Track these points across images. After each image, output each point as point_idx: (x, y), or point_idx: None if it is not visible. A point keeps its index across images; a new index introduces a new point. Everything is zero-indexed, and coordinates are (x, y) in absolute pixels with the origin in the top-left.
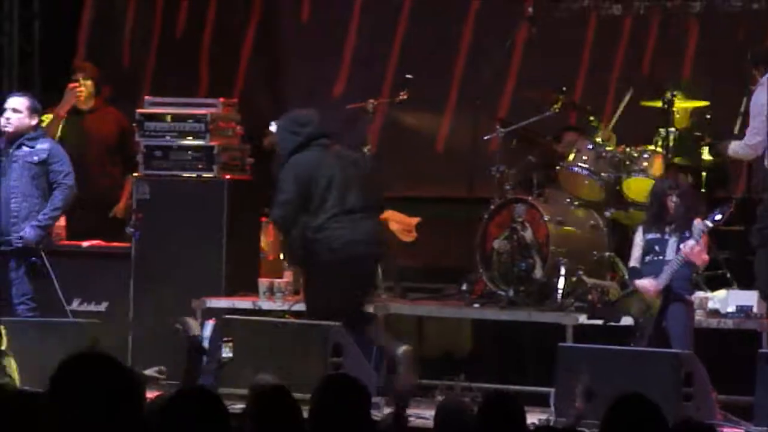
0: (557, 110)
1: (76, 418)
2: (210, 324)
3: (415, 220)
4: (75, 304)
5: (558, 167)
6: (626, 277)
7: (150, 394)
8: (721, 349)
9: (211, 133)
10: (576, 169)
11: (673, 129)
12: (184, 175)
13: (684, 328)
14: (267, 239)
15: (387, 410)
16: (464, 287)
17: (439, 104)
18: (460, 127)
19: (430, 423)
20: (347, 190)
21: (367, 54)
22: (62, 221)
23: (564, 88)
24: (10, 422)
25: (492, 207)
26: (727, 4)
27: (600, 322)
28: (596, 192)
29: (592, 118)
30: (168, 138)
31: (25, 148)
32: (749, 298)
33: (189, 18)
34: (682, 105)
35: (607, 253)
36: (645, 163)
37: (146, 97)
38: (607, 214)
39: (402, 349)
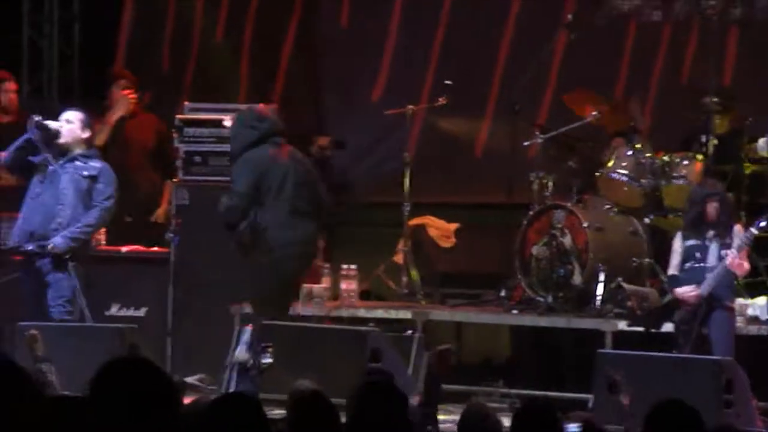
0: (596, 117)
1: (115, 423)
2: (248, 330)
3: (453, 226)
4: (114, 309)
5: (597, 173)
6: (666, 283)
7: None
8: (761, 356)
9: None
10: (615, 175)
11: (712, 136)
12: (223, 180)
13: (726, 335)
14: None
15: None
16: (503, 293)
17: (478, 110)
18: (499, 133)
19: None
20: (299, 190)
21: (406, 59)
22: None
23: (603, 94)
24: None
25: (531, 213)
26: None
27: (640, 328)
28: (636, 198)
29: (631, 123)
30: (207, 144)
31: (78, 163)
32: None
33: (228, 23)
34: (721, 111)
35: (646, 260)
36: (684, 170)
37: (185, 103)
38: (647, 220)
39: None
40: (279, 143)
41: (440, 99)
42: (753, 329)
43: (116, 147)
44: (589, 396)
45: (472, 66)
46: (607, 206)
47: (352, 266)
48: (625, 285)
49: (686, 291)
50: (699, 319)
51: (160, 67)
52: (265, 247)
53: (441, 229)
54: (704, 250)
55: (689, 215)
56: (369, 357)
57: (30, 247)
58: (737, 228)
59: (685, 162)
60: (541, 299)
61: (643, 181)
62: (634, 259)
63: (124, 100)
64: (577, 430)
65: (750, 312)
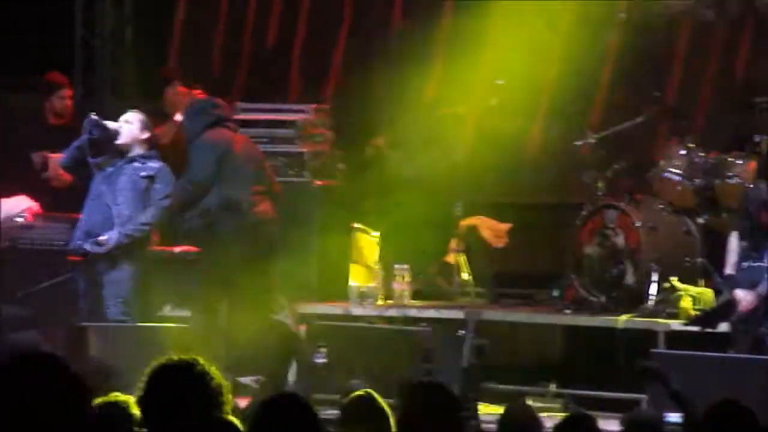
0: (649, 116)
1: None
2: (301, 330)
3: (506, 226)
4: (166, 309)
5: (650, 173)
6: (719, 283)
7: (243, 401)
8: None
9: (302, 139)
10: (668, 174)
11: (766, 135)
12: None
13: None
14: (358, 245)
15: None
16: (556, 293)
17: (530, 110)
18: (551, 133)
19: None
20: (258, 171)
21: (458, 59)
22: None
23: (657, 94)
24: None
25: (583, 213)
26: None
27: (696, 328)
28: (689, 198)
29: (684, 123)
30: (258, 144)
31: (136, 164)
32: None
33: (280, 24)
34: None
35: (699, 259)
36: (738, 169)
37: (237, 104)
38: (700, 220)
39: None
40: (233, 129)
41: (492, 99)
42: None
43: (170, 148)
44: (643, 396)
45: (525, 66)
46: (660, 206)
47: (405, 266)
48: (678, 285)
49: (746, 297)
50: (757, 319)
51: (212, 68)
52: (226, 227)
53: (493, 229)
54: (761, 249)
55: (743, 222)
56: (421, 357)
57: (88, 247)
58: None
59: (739, 161)
60: (594, 299)
61: (696, 180)
62: (687, 258)
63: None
64: (677, 419)
65: None
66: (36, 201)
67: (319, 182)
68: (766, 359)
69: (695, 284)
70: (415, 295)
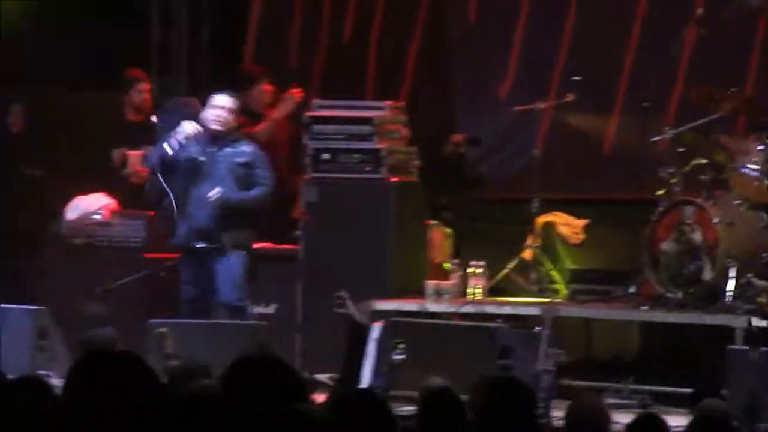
0: (726, 111)
1: (244, 420)
2: (378, 326)
3: (582, 222)
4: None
5: (728, 168)
6: None
7: (319, 398)
8: None
9: (378, 136)
10: (746, 170)
11: None
12: (352, 177)
13: None
14: (434, 241)
15: None
16: (632, 289)
17: (606, 106)
18: (627, 129)
19: None
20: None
21: (534, 55)
22: None
23: (734, 89)
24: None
25: (660, 209)
26: None
27: None
28: (766, 193)
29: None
30: (335, 140)
31: (228, 149)
32: None
33: (356, 20)
34: None
35: None
36: None
37: (314, 100)
38: None
39: None
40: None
41: (568, 95)
42: None
43: (272, 144)
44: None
45: (601, 61)
46: (738, 201)
47: (481, 262)
48: (755, 281)
49: None
50: None
51: (288, 65)
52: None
53: (570, 226)
54: None
55: None
56: (498, 354)
57: (201, 245)
58: None
59: None
60: (671, 295)
61: None
62: (765, 255)
63: (289, 99)
64: None
65: None
66: (114, 198)
67: (395, 179)
68: None
69: None
70: (492, 291)
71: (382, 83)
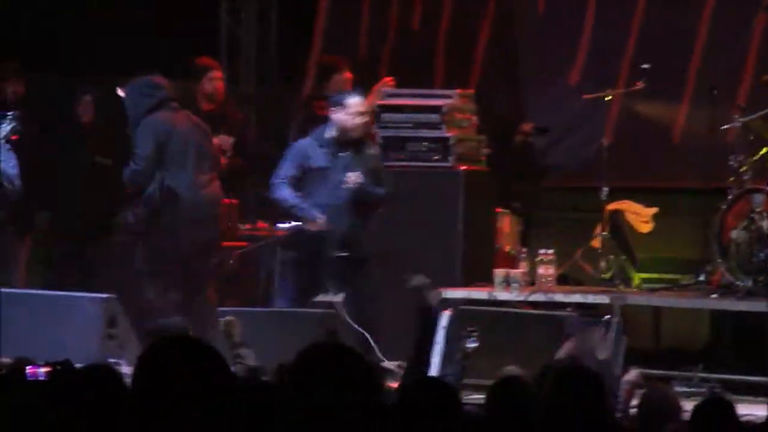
0: None
1: (315, 408)
2: (447, 314)
3: (651, 211)
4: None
5: None
6: None
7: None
8: None
9: (446, 124)
10: None
11: None
12: (420, 166)
13: None
14: (502, 230)
15: None
16: (702, 278)
17: (675, 94)
18: (697, 117)
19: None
20: (201, 153)
21: (603, 44)
22: None
23: None
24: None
25: (730, 197)
26: None
27: None
28: None
29: None
30: (404, 129)
31: (361, 153)
32: None
33: (425, 8)
34: None
35: None
36: None
37: (383, 89)
38: None
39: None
40: (176, 108)
41: (638, 83)
42: None
43: None
44: None
45: (670, 49)
46: None
47: (550, 251)
48: None
49: None
50: None
51: (357, 54)
52: (174, 211)
53: (639, 214)
54: None
55: None
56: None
57: (345, 254)
58: None
59: None
60: (741, 283)
61: None
62: None
63: (381, 89)
64: None
65: None
66: None
67: (463, 167)
68: None
69: None
70: (560, 279)
71: (451, 72)
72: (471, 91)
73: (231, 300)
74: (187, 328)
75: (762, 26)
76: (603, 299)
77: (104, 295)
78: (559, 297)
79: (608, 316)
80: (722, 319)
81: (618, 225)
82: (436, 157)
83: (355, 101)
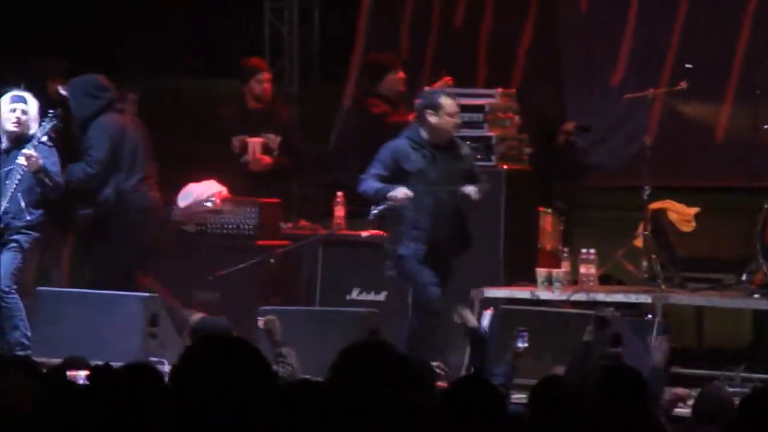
0: None
1: (357, 407)
2: (488, 314)
3: (693, 210)
4: (354, 294)
5: None
6: None
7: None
8: None
9: (489, 124)
10: None
11: None
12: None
13: None
14: (545, 229)
15: None
16: (744, 277)
17: (718, 94)
18: (739, 117)
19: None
20: (148, 156)
21: (646, 43)
22: (342, 211)
23: None
24: (291, 410)
25: None
26: None
27: None
28: None
29: None
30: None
31: (455, 152)
32: None
33: (468, 8)
34: None
35: None
36: None
37: (425, 88)
38: None
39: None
40: (122, 110)
41: (681, 83)
42: None
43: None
44: None
45: (713, 49)
46: None
47: (592, 250)
48: None
49: None
50: None
51: (399, 52)
52: (126, 214)
53: (681, 213)
54: None
55: None
56: (609, 342)
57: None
58: None
59: None
60: None
61: None
62: None
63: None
64: None
65: None
66: (235, 185)
67: (506, 166)
68: None
69: None
70: (603, 279)
71: (494, 71)
72: (513, 91)
73: (273, 299)
74: (230, 328)
75: None
76: (645, 299)
77: (146, 294)
78: (601, 296)
79: (650, 316)
80: (765, 319)
81: (660, 224)
82: (479, 157)
83: (449, 102)
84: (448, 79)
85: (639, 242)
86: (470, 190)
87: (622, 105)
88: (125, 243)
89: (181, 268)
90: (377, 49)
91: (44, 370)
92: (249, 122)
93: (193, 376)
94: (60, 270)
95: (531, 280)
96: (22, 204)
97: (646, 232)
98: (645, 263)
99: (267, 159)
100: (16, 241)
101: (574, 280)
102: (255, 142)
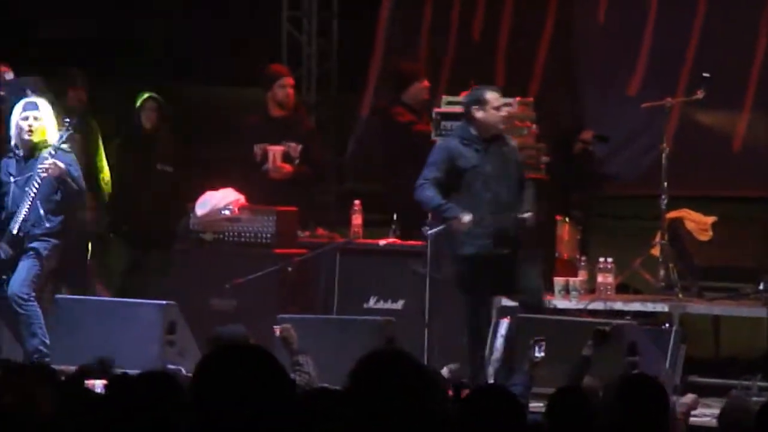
0: None
1: (374, 415)
2: (505, 322)
3: (711, 219)
4: (371, 302)
5: None
6: None
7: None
8: None
9: (506, 132)
10: None
11: None
12: None
13: None
14: (562, 238)
15: None
16: (761, 286)
17: (736, 102)
18: (757, 126)
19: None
20: None
21: (663, 52)
22: (359, 219)
23: None
24: (308, 418)
25: None
26: None
27: None
28: None
29: None
30: None
31: (506, 147)
32: None
33: (486, 17)
34: None
35: None
36: None
37: (443, 96)
38: None
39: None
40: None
41: (698, 92)
42: None
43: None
44: None
45: (730, 58)
46: None
47: (609, 259)
48: None
49: None
50: None
51: (418, 60)
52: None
53: (698, 222)
54: None
55: None
56: (626, 351)
57: (508, 251)
58: None
59: None
60: None
61: None
62: None
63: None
64: None
65: None
66: (255, 193)
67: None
68: None
69: None
70: (620, 288)
71: (511, 79)
72: (531, 99)
73: (290, 307)
74: (248, 336)
75: None
76: (662, 308)
77: (164, 302)
78: (619, 305)
79: (667, 325)
80: None
81: (677, 233)
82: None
83: (494, 96)
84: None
85: (656, 251)
86: (527, 215)
87: (639, 114)
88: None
89: (198, 276)
90: (396, 58)
91: (62, 378)
92: (271, 130)
93: (210, 384)
94: (84, 278)
95: (548, 289)
96: (41, 211)
97: (663, 241)
98: (662, 272)
99: (287, 167)
100: (34, 248)
101: (591, 289)
102: (275, 151)
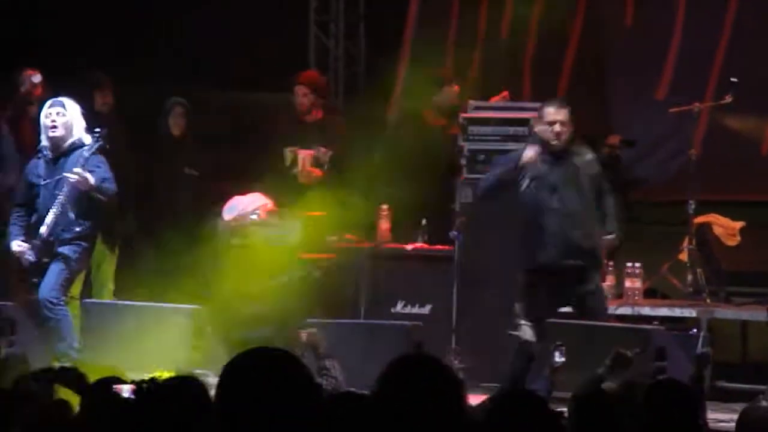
0: None
1: (401, 420)
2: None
3: (739, 224)
4: (399, 307)
5: None
6: None
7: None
8: None
9: (533, 138)
10: None
11: None
12: None
13: None
14: None
15: None
16: None
17: (764, 107)
18: None
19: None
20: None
21: (692, 57)
22: (387, 223)
23: None
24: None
25: None
26: None
27: None
28: None
29: None
30: (491, 142)
31: (576, 161)
32: None
33: (513, 22)
34: None
35: None
36: None
37: (470, 101)
38: None
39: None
40: None
41: (726, 97)
42: None
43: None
44: None
45: (759, 63)
46: None
47: (637, 264)
48: None
49: None
50: None
51: (444, 66)
52: None
53: (726, 227)
54: None
55: None
56: (654, 356)
57: (580, 263)
58: None
59: None
60: None
61: None
62: None
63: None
64: None
65: None
66: (283, 197)
67: None
68: None
69: None
70: (648, 293)
71: (539, 85)
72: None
73: (318, 312)
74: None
75: None
76: (690, 313)
77: (191, 306)
78: (646, 310)
79: (695, 330)
80: None
81: (705, 238)
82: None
83: (549, 111)
84: (505, 93)
85: (684, 256)
86: (611, 237)
87: (667, 119)
88: None
89: (226, 281)
90: (422, 62)
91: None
92: (301, 134)
93: (237, 388)
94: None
95: None
96: (72, 215)
97: (691, 246)
98: (690, 277)
99: (317, 172)
100: (64, 253)
101: (619, 293)
102: (305, 155)
